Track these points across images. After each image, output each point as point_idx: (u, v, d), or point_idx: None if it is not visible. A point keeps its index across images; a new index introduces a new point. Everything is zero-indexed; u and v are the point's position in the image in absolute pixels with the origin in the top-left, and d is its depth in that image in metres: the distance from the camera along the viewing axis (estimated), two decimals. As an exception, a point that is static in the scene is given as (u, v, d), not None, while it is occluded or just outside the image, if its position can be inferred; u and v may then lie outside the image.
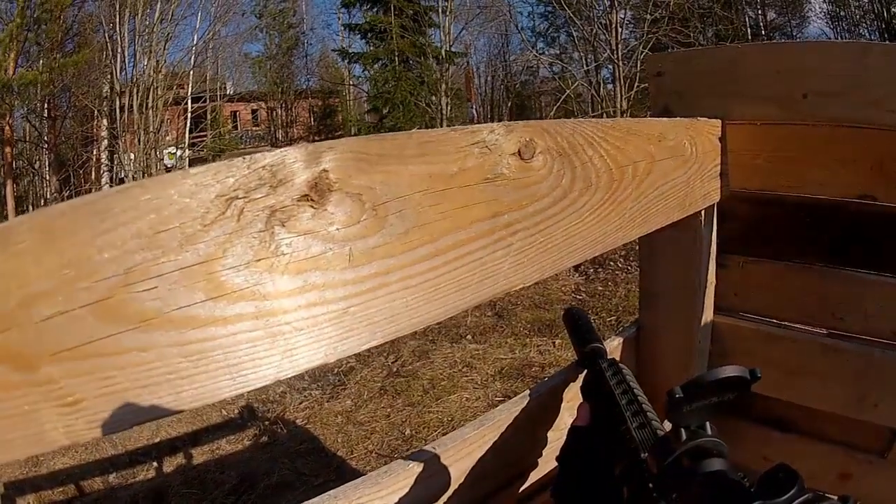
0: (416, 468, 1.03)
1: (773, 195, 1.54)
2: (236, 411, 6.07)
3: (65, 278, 0.46)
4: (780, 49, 1.43)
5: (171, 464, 5.44)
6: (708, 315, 1.62)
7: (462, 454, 1.12)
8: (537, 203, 0.79)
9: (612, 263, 8.08)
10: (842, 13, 23.08)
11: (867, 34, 22.16)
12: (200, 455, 5.45)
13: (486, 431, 1.16)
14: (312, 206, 0.56)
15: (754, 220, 1.62)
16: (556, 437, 1.30)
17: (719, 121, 1.42)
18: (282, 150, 0.54)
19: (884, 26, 21.35)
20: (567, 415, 1.31)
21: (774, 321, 1.63)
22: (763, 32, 22.86)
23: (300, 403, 6.07)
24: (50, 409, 0.48)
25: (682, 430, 0.68)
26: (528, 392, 1.29)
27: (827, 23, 23.44)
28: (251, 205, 0.53)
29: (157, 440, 5.81)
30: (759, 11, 23.39)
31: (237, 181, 0.52)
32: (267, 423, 5.78)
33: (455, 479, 1.10)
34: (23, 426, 0.47)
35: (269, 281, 0.54)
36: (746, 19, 22.78)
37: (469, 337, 6.97)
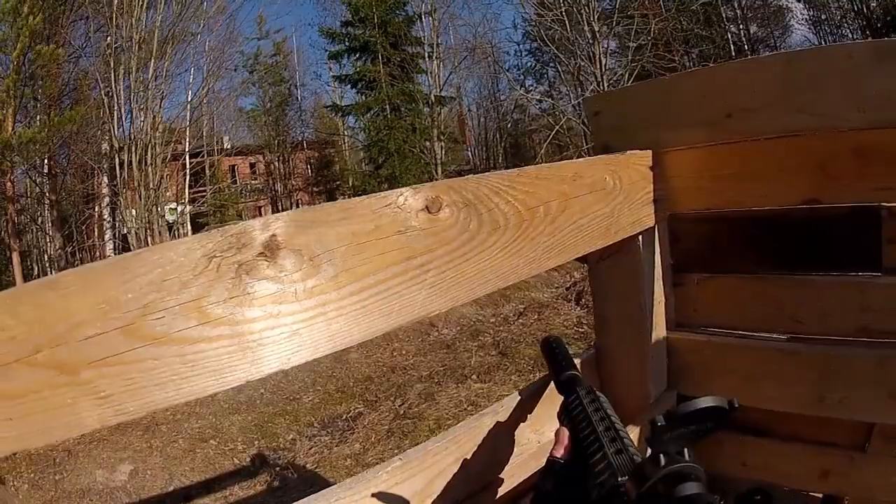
0: (384, 477, 1.18)
1: (720, 212, 1.62)
2: (248, 459, 6.19)
3: (100, 311, 0.68)
4: (705, 73, 1.52)
5: (186, 512, 5.52)
6: (660, 332, 1.70)
7: (426, 465, 1.24)
8: (446, 246, 0.99)
9: (613, 296, 8.05)
10: (823, 16, 23.22)
11: (850, 34, 22.36)
12: (213, 501, 5.58)
13: (448, 444, 1.28)
14: (267, 260, 0.78)
15: (704, 238, 1.70)
16: (519, 452, 1.40)
17: (649, 151, 1.52)
18: (245, 222, 0.77)
19: (865, 23, 21.56)
20: (529, 431, 1.43)
21: (732, 332, 1.69)
22: (746, 47, 22.92)
23: (310, 449, 6.16)
24: (87, 401, 0.69)
25: (661, 455, 0.71)
26: (489, 409, 1.41)
27: (809, 28, 23.66)
28: (226, 261, 0.76)
29: (171, 489, 5.94)
30: (742, 26, 23.42)
31: (215, 245, 0.75)
32: (278, 468, 5.89)
33: (422, 489, 1.22)
34: (64, 415, 0.68)
35: (240, 312, 0.77)
36: (729, 36, 22.90)
37: (474, 377, 7.02)
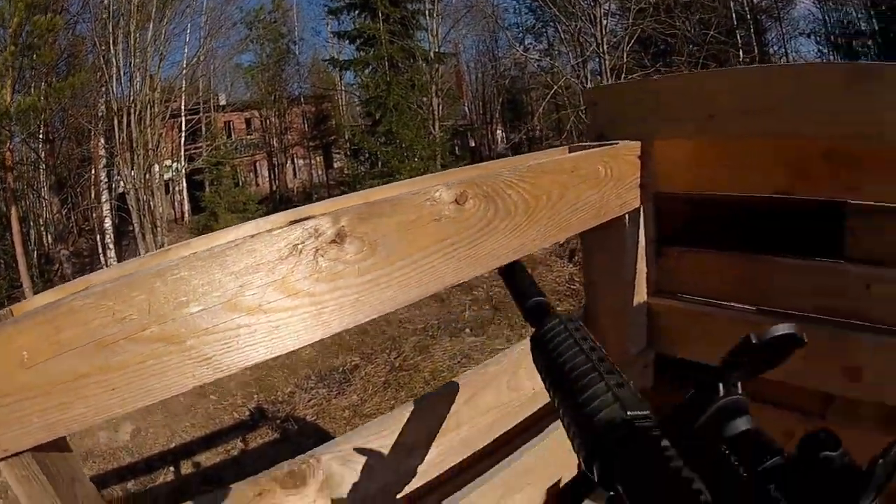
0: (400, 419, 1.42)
1: (701, 195, 1.78)
2: (247, 413, 6.33)
3: (205, 291, 0.91)
4: (694, 78, 1.72)
5: (188, 466, 5.68)
6: (640, 298, 1.89)
7: (438, 410, 1.49)
8: (469, 230, 1.21)
9: (605, 254, 8.11)
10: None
11: (854, 11, 21.83)
12: (216, 455, 5.71)
13: (463, 388, 1.53)
14: (337, 245, 1.01)
15: (687, 216, 1.87)
16: (518, 397, 1.67)
17: (638, 143, 1.67)
18: (317, 218, 1.00)
19: (870, 2, 20.96)
20: (525, 379, 1.68)
21: (708, 300, 1.85)
22: (749, 16, 22.24)
23: (308, 401, 6.31)
24: (190, 364, 0.91)
25: (720, 385, 0.66)
26: (492, 359, 1.67)
27: (814, 2, 22.82)
28: (306, 247, 0.98)
29: (173, 445, 6.07)
30: (745, -7, 22.41)
31: (296, 236, 0.97)
32: (278, 421, 6.04)
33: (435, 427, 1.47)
34: (166, 378, 0.90)
35: (316, 285, 1.00)
36: (731, 4, 21.99)
37: (468, 330, 7.17)
